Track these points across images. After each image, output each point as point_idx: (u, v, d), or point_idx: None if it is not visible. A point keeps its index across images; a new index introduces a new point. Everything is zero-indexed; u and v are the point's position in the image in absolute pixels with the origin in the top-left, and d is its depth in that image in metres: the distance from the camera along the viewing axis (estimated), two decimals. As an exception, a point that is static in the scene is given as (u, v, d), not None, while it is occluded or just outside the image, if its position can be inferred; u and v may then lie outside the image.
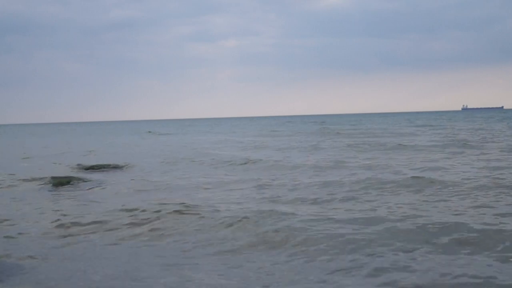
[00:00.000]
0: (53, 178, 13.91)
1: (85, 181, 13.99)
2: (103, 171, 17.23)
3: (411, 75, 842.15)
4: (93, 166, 17.97)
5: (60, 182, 13.49)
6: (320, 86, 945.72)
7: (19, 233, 8.08)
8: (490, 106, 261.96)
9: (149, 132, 60.89)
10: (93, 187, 13.16)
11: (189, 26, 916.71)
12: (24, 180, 14.46)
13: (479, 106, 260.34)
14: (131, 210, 9.31)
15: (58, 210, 9.93)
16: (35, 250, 7.03)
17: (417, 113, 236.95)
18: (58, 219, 8.92)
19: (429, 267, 5.83)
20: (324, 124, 73.59)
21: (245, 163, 18.01)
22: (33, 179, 14.34)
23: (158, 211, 9.01)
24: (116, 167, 17.97)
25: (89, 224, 8.49)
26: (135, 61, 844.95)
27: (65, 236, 7.90)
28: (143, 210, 9.21)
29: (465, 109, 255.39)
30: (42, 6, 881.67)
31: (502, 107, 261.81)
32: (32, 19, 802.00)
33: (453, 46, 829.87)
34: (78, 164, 18.62)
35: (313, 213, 8.81)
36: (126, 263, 6.43)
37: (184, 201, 10.13)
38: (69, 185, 13.40)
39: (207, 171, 16.53)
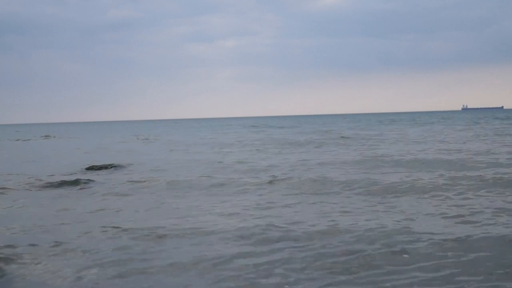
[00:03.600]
0: None
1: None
2: None
3: (410, 75, 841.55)
4: None
5: None
6: (319, 86, 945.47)
7: None
8: (490, 106, 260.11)
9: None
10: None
11: (187, 26, 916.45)
12: None
13: (479, 106, 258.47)
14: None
15: None
16: None
17: (418, 113, 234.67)
18: None
19: None
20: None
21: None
22: None
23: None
24: None
25: None
26: (133, 61, 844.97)
27: None
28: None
29: (465, 109, 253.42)
30: (39, 6, 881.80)
31: (502, 107, 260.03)
32: (29, 19, 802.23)
33: (452, 46, 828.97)
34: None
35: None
36: None
37: None
38: None
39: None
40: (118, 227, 8.02)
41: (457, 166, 15.38)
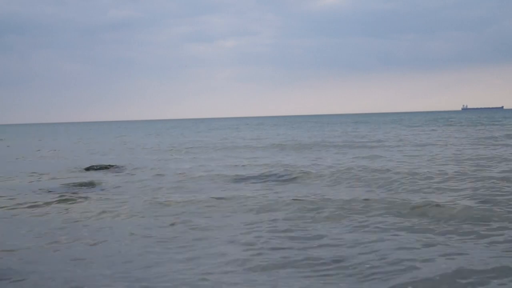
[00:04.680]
0: None
1: None
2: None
3: (410, 75, 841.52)
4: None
5: None
6: (319, 86, 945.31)
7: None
8: (490, 106, 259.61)
9: None
10: None
11: (187, 26, 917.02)
12: None
13: (479, 106, 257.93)
14: None
15: None
16: None
17: (418, 113, 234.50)
18: None
19: None
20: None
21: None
22: None
23: None
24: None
25: None
26: (133, 61, 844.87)
27: None
28: None
29: (465, 109, 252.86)
30: (39, 6, 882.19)
31: (502, 107, 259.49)
32: (29, 19, 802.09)
33: (452, 46, 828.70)
34: None
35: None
36: None
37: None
38: None
39: None
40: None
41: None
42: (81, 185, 13.66)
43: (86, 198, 11.39)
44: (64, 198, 11.40)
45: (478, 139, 27.33)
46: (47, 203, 10.79)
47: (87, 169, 17.80)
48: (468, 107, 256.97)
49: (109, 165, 18.31)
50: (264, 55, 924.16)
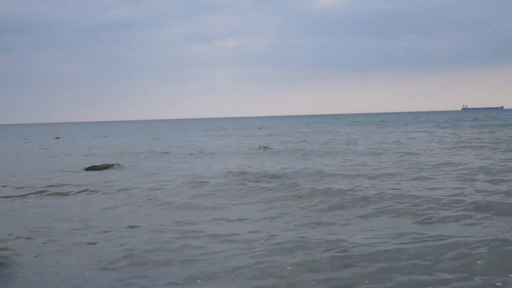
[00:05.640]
0: None
1: None
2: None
3: (410, 75, 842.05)
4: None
5: None
6: (319, 86, 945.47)
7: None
8: (490, 106, 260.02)
9: None
10: None
11: (187, 26, 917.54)
12: None
13: (479, 106, 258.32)
14: None
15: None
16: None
17: (417, 113, 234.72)
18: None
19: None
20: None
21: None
22: None
23: None
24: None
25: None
26: (133, 61, 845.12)
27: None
28: None
29: (465, 109, 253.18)
30: (39, 6, 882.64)
31: (502, 107, 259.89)
32: (29, 19, 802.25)
33: (452, 46, 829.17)
34: None
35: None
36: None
37: None
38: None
39: None
40: None
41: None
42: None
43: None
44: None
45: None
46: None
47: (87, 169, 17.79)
48: (468, 107, 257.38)
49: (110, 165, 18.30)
50: (264, 55, 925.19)
